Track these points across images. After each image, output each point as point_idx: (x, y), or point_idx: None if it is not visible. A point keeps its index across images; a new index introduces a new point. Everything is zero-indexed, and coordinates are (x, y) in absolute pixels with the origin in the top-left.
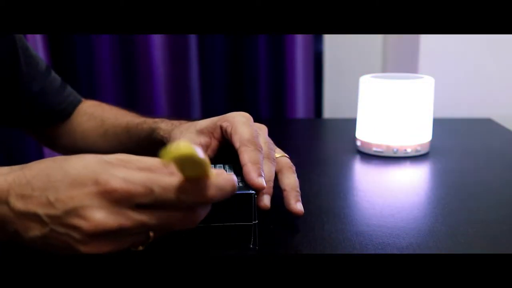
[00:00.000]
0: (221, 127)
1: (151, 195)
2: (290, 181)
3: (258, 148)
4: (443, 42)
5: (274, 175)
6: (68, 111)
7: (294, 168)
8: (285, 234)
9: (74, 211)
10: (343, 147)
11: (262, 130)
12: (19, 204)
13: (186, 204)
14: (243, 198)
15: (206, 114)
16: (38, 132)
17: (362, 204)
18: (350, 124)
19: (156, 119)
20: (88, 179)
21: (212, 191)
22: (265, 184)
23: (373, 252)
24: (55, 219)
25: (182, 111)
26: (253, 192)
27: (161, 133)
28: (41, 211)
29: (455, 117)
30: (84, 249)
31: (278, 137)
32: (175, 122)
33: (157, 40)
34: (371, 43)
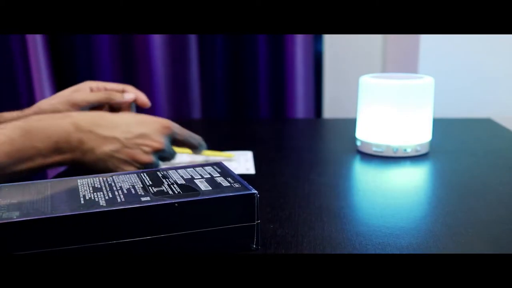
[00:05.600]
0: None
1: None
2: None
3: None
4: (443, 42)
5: None
6: None
7: None
8: (285, 234)
9: (145, 136)
10: (343, 147)
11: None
12: (103, 131)
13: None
14: (246, 198)
15: (206, 114)
16: None
17: (362, 204)
18: (350, 124)
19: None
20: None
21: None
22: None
23: (373, 252)
24: (130, 139)
25: (182, 111)
26: (255, 192)
27: None
28: (119, 135)
29: (455, 117)
30: (146, 158)
31: (278, 137)
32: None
33: (157, 40)
34: (371, 43)
